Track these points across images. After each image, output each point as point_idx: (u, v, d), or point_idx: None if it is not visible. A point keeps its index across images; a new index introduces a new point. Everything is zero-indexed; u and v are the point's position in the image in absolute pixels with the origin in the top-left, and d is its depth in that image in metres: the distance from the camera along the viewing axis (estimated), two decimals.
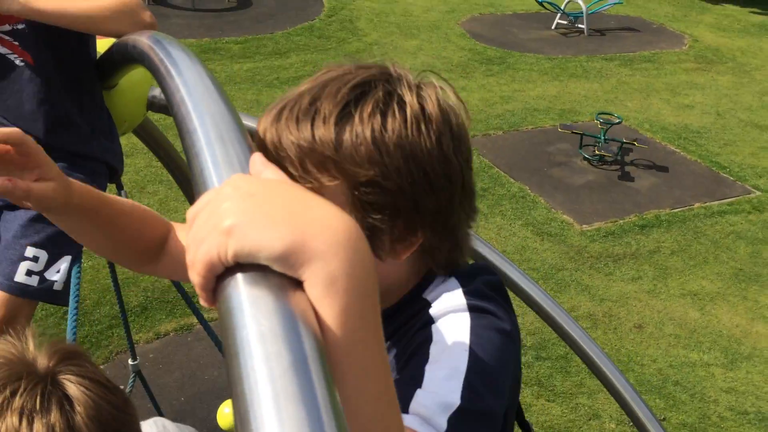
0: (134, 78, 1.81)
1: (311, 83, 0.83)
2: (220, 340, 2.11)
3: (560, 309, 1.82)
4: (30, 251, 1.69)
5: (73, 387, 0.76)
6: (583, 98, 8.28)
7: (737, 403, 4.12)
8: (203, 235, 0.50)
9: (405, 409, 0.72)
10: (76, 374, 0.78)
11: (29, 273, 1.69)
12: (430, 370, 0.75)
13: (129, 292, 4.58)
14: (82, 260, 1.83)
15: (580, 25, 10.46)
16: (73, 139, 1.79)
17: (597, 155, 6.70)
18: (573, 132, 7.00)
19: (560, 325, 1.79)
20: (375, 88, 0.80)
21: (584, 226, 5.81)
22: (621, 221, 5.92)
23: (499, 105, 7.92)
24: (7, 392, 0.74)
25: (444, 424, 0.70)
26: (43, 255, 1.71)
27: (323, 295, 0.47)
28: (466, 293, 0.83)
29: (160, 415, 2.66)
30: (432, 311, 0.83)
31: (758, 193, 6.51)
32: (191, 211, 0.54)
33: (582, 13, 10.34)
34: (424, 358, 0.77)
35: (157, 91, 1.87)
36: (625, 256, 5.48)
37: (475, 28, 10.25)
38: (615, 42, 10.24)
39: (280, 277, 0.47)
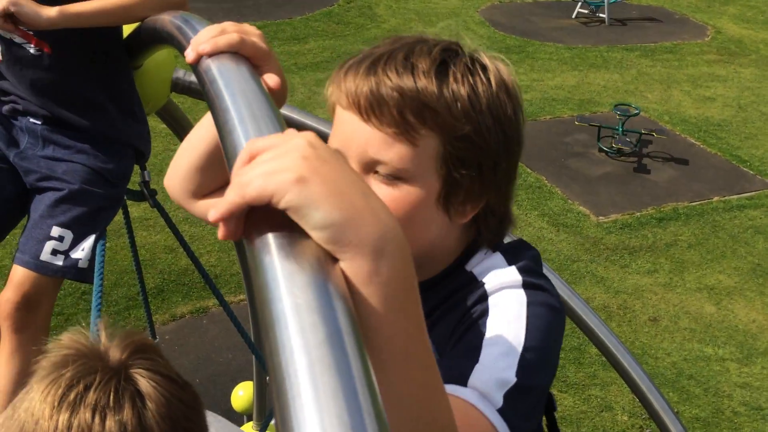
0: (159, 59, 1.82)
1: (391, 45, 0.86)
2: (239, 322, 2.13)
3: (578, 297, 1.82)
4: (56, 231, 1.72)
5: (144, 382, 0.75)
6: (603, 89, 8.20)
7: (751, 399, 4.10)
8: (269, 169, 0.49)
9: (463, 382, 0.73)
10: (147, 369, 0.77)
11: (54, 252, 1.71)
12: (487, 345, 0.77)
13: (146, 274, 4.61)
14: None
15: (601, 15, 10.34)
16: (101, 121, 1.80)
17: (615, 148, 6.64)
18: (590, 124, 6.94)
19: (577, 315, 1.79)
20: (461, 53, 0.85)
21: (601, 217, 5.78)
22: (638, 213, 5.88)
23: None
24: (81, 387, 0.73)
25: (501, 401, 0.72)
26: (68, 235, 1.73)
27: (367, 282, 0.48)
28: (519, 270, 0.85)
29: None
30: (486, 286, 0.85)
31: None
32: (257, 142, 0.53)
33: (603, 2, 10.22)
34: (481, 332, 0.79)
35: (181, 73, 1.87)
36: (642, 248, 5.44)
37: (495, 16, 10.16)
38: (636, 32, 10.12)
39: (317, 248, 0.47)
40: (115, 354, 0.77)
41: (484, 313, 0.82)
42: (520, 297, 0.82)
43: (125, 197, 2.01)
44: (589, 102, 7.82)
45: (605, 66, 8.85)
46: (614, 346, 1.78)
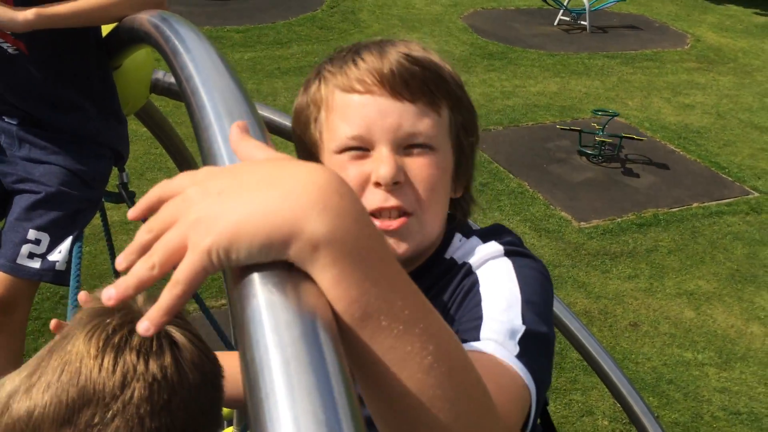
0: (138, 59, 1.80)
1: (361, 42, 0.92)
2: (219, 326, 2.11)
3: (559, 302, 1.82)
4: (32, 234, 1.70)
5: (178, 335, 0.78)
6: (584, 95, 8.27)
7: (730, 403, 4.13)
8: (163, 238, 0.47)
9: (476, 337, 0.74)
10: (180, 325, 0.80)
11: (31, 255, 1.69)
12: (486, 306, 0.79)
13: None
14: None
15: (582, 22, 10.45)
16: (78, 121, 1.78)
17: (597, 146, 6.68)
18: (572, 129, 6.99)
19: (559, 319, 1.80)
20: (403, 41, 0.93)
21: (582, 223, 5.82)
22: (619, 219, 5.93)
23: (499, 100, 7.91)
24: (125, 331, 0.75)
25: (516, 347, 0.73)
26: (45, 237, 1.71)
27: (317, 270, 0.44)
28: (500, 242, 0.88)
29: None
30: (470, 261, 0.87)
31: (756, 194, 6.52)
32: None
33: (585, 9, 10.33)
34: (477, 298, 0.81)
35: (160, 74, 1.86)
36: (623, 254, 5.48)
37: (478, 23, 10.23)
38: (617, 40, 10.23)
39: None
40: (148, 305, 0.79)
41: (474, 283, 0.84)
42: (505, 262, 0.85)
43: (104, 199, 1.98)
44: (570, 108, 7.88)
45: (587, 73, 8.93)
46: (595, 350, 1.78)
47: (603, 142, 6.71)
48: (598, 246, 5.54)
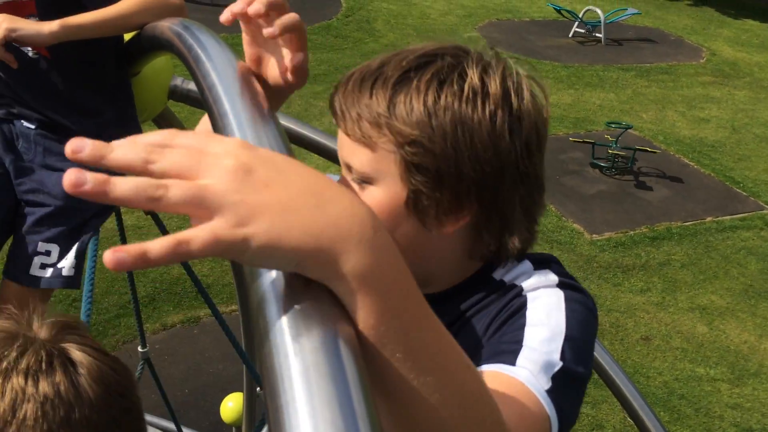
0: (157, 66, 1.82)
1: (382, 58, 0.89)
2: (231, 331, 2.12)
3: None
4: (42, 246, 1.74)
5: (75, 351, 0.78)
6: (598, 108, 8.26)
7: (742, 420, 4.09)
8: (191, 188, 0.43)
9: (512, 362, 0.74)
10: (78, 342, 0.80)
11: (43, 266, 1.74)
12: (529, 332, 0.78)
13: (138, 283, 4.57)
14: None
15: (597, 34, 10.44)
16: (95, 127, 1.80)
17: (610, 159, 6.66)
18: (585, 141, 6.98)
19: None
20: (440, 59, 0.84)
21: (594, 235, 5.79)
22: (632, 232, 5.90)
23: None
24: (12, 357, 0.76)
25: (549, 382, 0.73)
26: (54, 249, 1.75)
27: (339, 294, 0.45)
28: (555, 273, 0.86)
29: (167, 405, 2.66)
30: (523, 285, 0.85)
31: None
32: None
33: (600, 22, 10.32)
34: (522, 321, 0.80)
35: (179, 80, 1.87)
36: (635, 267, 5.45)
37: (492, 34, 10.24)
38: (632, 52, 10.21)
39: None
40: (44, 331, 0.81)
41: (522, 305, 0.82)
42: (557, 293, 0.83)
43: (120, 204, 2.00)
44: (584, 120, 7.87)
45: (601, 85, 8.92)
46: (607, 363, 1.77)
47: (616, 154, 6.69)
48: (610, 259, 5.51)
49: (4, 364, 0.75)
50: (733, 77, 9.73)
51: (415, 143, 0.81)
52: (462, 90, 0.81)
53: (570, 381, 0.75)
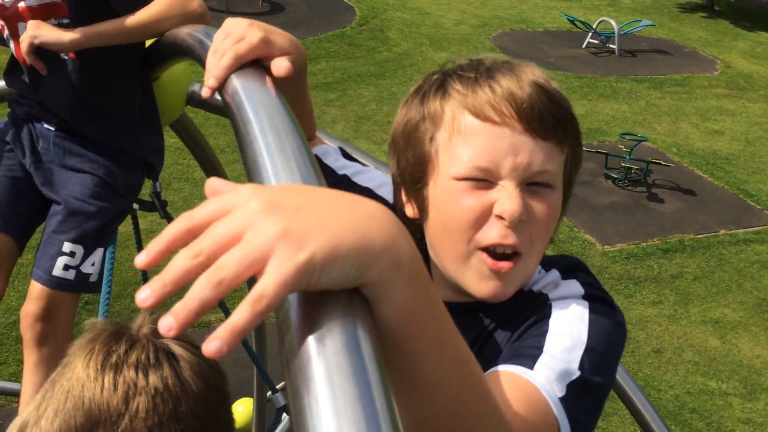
0: (176, 72, 1.84)
1: (481, 60, 0.88)
2: (246, 338, 2.13)
3: None
4: (67, 246, 1.75)
5: (176, 347, 0.81)
6: (611, 119, 8.24)
7: None
8: (240, 247, 0.43)
9: (530, 366, 0.75)
10: (176, 337, 0.82)
11: (66, 267, 1.75)
12: (551, 339, 0.78)
13: None
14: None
15: (611, 45, 10.43)
16: (115, 132, 1.82)
17: (623, 171, 6.65)
18: (598, 152, 6.96)
19: None
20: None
21: (606, 246, 5.77)
22: (644, 244, 5.87)
23: None
24: (121, 351, 0.78)
25: (564, 390, 0.73)
26: (79, 250, 1.76)
27: (395, 287, 0.47)
28: (582, 284, 0.86)
29: None
30: (550, 295, 0.86)
31: None
32: (195, 214, 0.46)
33: (614, 33, 10.31)
34: (545, 328, 0.80)
35: (197, 86, 1.89)
36: (647, 279, 5.42)
37: (506, 44, 10.26)
38: (646, 64, 10.19)
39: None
40: (145, 327, 0.83)
41: (547, 314, 0.82)
42: (582, 304, 0.83)
43: (137, 208, 2.02)
44: (597, 131, 7.85)
45: (614, 96, 8.90)
46: (620, 375, 1.77)
47: (629, 167, 6.66)
48: (621, 270, 5.49)
49: (114, 358, 0.77)
50: (748, 90, 9.68)
51: (579, 142, 0.86)
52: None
53: (586, 391, 0.75)
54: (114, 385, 0.75)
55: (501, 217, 0.79)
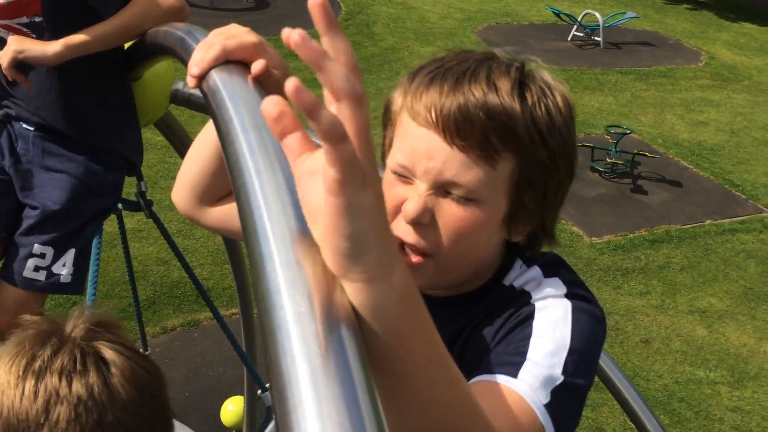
0: (159, 70, 1.82)
1: (464, 61, 0.84)
2: (233, 334, 2.12)
3: None
4: (37, 248, 1.76)
5: (108, 351, 0.77)
6: (597, 111, 8.27)
7: (743, 423, 4.09)
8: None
9: (514, 374, 0.75)
10: (110, 340, 0.79)
11: (37, 269, 1.75)
12: (535, 343, 0.78)
13: (138, 286, 4.56)
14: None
15: (596, 38, 10.46)
16: (93, 131, 1.81)
17: (609, 164, 6.68)
18: (583, 145, 6.99)
19: None
20: (534, 74, 0.84)
21: (594, 238, 5.80)
22: (631, 235, 5.90)
23: None
24: (45, 356, 0.75)
25: (548, 396, 0.74)
26: (49, 251, 1.77)
27: (385, 299, 0.48)
28: (564, 281, 0.87)
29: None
30: (532, 294, 0.86)
31: None
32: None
33: (598, 25, 10.34)
34: (528, 331, 0.80)
35: (180, 84, 1.88)
36: (634, 270, 5.46)
37: (491, 37, 10.26)
38: (631, 56, 10.23)
39: (320, 257, 0.47)
40: (78, 329, 0.79)
41: (530, 315, 0.83)
42: (565, 304, 0.83)
43: (122, 207, 2.01)
44: (583, 124, 7.88)
45: (600, 88, 8.94)
46: (608, 366, 1.78)
47: (615, 162, 6.69)
48: (609, 262, 5.52)
49: (38, 363, 0.74)
50: (732, 81, 9.75)
51: (539, 162, 0.80)
52: (561, 107, 0.82)
53: (570, 394, 0.76)
54: (35, 392, 0.72)
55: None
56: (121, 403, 0.74)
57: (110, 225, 2.03)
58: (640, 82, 9.27)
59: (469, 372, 0.79)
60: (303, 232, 0.50)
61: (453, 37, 10.04)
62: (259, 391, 2.52)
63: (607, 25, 10.43)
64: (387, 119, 0.88)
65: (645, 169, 6.95)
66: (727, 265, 5.62)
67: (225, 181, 1.00)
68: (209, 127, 0.94)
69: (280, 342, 0.43)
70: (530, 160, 0.80)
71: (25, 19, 1.66)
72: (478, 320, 0.88)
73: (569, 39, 10.48)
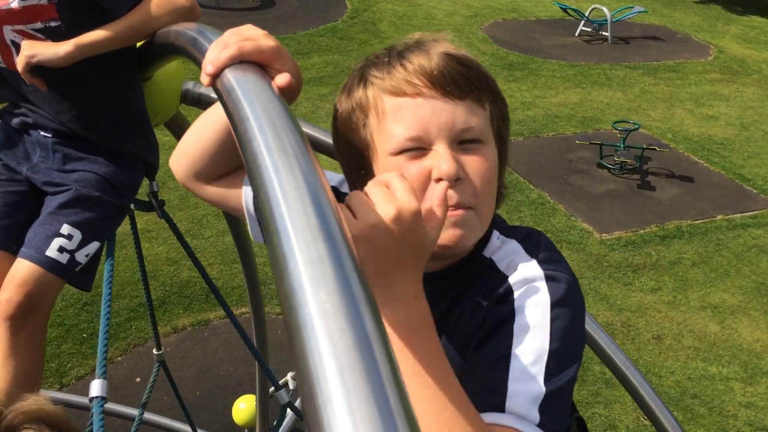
0: (169, 70, 1.82)
1: (393, 46, 0.93)
2: (245, 332, 2.12)
3: (586, 314, 1.80)
4: (66, 228, 1.69)
5: None
6: (606, 106, 8.23)
7: (756, 419, 4.07)
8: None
9: (501, 409, 0.77)
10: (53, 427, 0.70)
11: (61, 249, 1.68)
12: (514, 356, 0.81)
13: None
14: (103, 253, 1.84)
15: (604, 33, 10.41)
16: (112, 134, 1.80)
17: (618, 162, 6.65)
18: (591, 143, 6.96)
19: (585, 331, 1.78)
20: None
21: (604, 234, 5.77)
22: (641, 231, 5.88)
23: (520, 111, 7.90)
24: None
25: (537, 416, 0.77)
26: (77, 234, 1.71)
27: (409, 277, 0.50)
28: (540, 263, 0.88)
29: (183, 407, 2.67)
30: (510, 280, 0.88)
31: None
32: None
33: (606, 20, 10.29)
34: (508, 336, 0.82)
35: (190, 84, 1.88)
36: (645, 266, 5.43)
37: (498, 33, 10.23)
38: (639, 50, 10.18)
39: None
40: (17, 418, 0.71)
41: (511, 315, 0.84)
42: (543, 298, 0.85)
43: (134, 208, 2.00)
44: (592, 119, 7.85)
45: (608, 84, 8.89)
46: (623, 363, 1.77)
47: (623, 161, 6.65)
48: (620, 258, 5.49)
49: None
50: (741, 74, 9.68)
51: (499, 98, 0.91)
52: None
53: (556, 399, 0.79)
54: None
55: (441, 179, 0.84)
56: None
57: (119, 226, 2.03)
58: (648, 77, 9.22)
59: (457, 339, 0.88)
60: (324, 229, 0.50)
61: (459, 34, 10.02)
62: (272, 389, 2.52)
63: (615, 19, 10.38)
64: (356, 120, 0.91)
65: (655, 164, 6.92)
66: (739, 260, 5.59)
67: (222, 164, 1.04)
68: (216, 106, 0.95)
69: (306, 339, 0.42)
70: (497, 97, 0.91)
71: (39, 24, 1.66)
72: (461, 289, 0.92)
73: (577, 34, 10.43)
